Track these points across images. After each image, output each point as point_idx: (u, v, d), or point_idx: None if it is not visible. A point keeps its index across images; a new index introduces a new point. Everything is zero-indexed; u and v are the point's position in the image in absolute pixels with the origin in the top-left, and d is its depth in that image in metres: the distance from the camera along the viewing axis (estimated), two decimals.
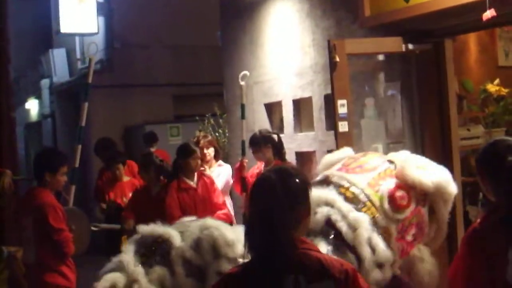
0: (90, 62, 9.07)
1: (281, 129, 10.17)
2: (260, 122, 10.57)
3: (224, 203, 8.70)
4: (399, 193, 4.87)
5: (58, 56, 19.89)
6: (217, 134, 13.13)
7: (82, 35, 17.88)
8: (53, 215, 6.62)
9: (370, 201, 4.83)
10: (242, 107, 9.25)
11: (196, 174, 8.56)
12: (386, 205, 4.79)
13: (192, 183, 8.47)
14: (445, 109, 7.93)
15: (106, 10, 17.39)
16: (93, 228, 8.69)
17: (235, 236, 4.67)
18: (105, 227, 9.43)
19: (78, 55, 18.81)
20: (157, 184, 8.81)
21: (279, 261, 3.16)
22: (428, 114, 8.02)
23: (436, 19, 7.41)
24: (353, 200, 4.82)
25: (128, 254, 4.79)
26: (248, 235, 3.30)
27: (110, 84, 16.99)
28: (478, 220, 3.98)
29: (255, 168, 8.92)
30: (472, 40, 10.74)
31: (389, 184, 4.94)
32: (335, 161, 5.40)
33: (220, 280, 3.50)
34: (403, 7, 7.50)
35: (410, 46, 7.78)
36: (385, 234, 4.71)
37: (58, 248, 6.63)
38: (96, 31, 17.10)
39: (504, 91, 10.28)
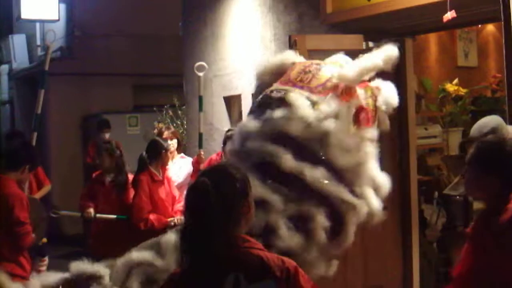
0: (48, 49, 9.02)
1: (239, 122, 10.12)
2: (219, 115, 10.54)
3: (180, 197, 8.72)
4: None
5: (18, 42, 19.65)
6: (175, 125, 13.06)
7: (43, 22, 17.67)
8: (19, 207, 6.53)
9: None
10: (200, 99, 9.15)
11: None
12: None
13: (161, 176, 8.52)
14: (403, 107, 7.92)
15: None
16: (52, 215, 8.65)
17: None
18: (64, 214, 9.36)
19: (39, 42, 18.58)
20: (111, 173, 8.77)
21: (217, 262, 3.10)
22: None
23: (397, 18, 7.45)
24: None
25: None
26: (184, 238, 3.20)
27: (70, 72, 16.79)
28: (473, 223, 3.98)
29: (212, 159, 8.91)
30: (432, 40, 10.85)
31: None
32: None
33: (162, 285, 3.39)
34: (364, 5, 7.54)
35: (371, 44, 7.76)
36: None
37: (16, 240, 6.53)
38: (57, 18, 16.90)
39: (462, 91, 10.37)
